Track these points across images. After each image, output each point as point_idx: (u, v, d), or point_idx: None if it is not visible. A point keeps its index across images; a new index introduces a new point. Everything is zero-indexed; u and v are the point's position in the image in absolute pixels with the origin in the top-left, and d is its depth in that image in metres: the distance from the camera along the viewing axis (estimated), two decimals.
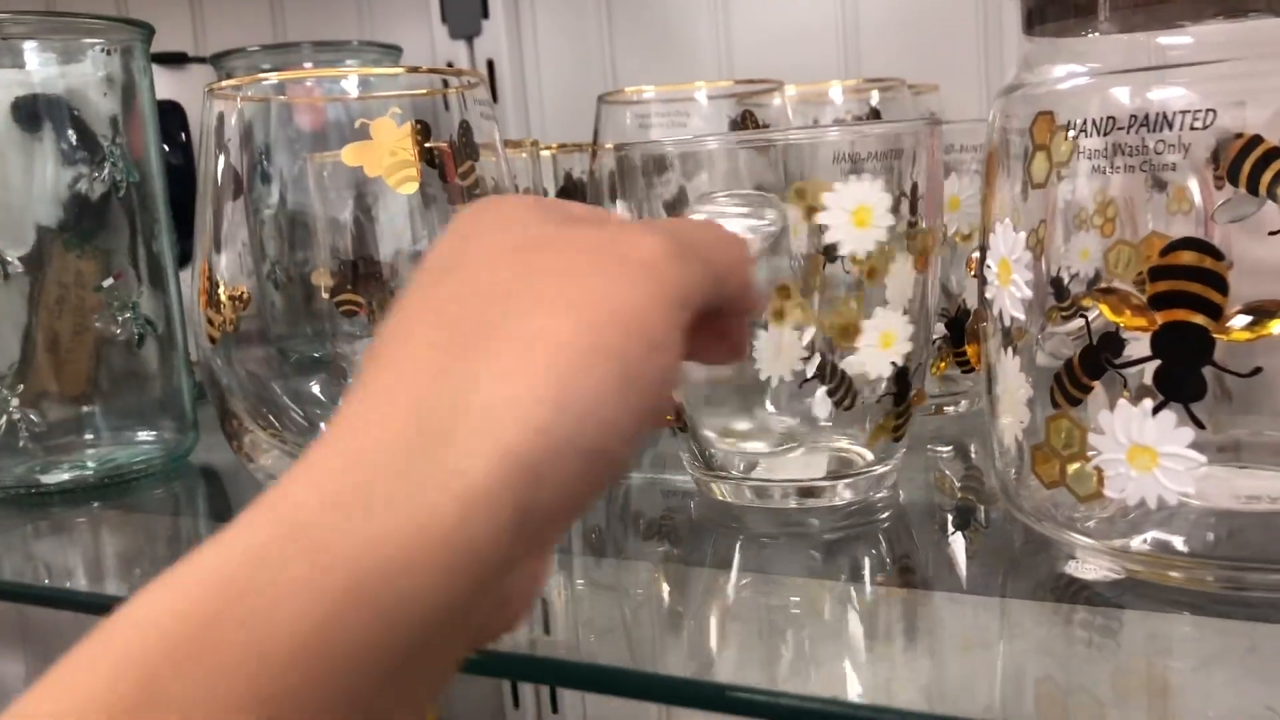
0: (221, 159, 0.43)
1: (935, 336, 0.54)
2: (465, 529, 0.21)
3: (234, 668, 0.19)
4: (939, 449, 0.53)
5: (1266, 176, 0.30)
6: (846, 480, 0.43)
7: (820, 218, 0.39)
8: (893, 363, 0.41)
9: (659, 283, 0.24)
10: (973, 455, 0.52)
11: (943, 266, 0.55)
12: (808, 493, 0.43)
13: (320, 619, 0.20)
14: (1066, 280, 0.35)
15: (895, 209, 0.39)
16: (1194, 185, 0.33)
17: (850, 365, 0.41)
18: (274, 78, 0.42)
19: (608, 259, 0.24)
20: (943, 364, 0.54)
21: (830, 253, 0.40)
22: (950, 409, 0.56)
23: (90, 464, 0.56)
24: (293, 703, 0.19)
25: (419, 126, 0.40)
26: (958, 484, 0.49)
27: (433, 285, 0.25)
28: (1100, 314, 0.34)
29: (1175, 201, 0.33)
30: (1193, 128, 0.29)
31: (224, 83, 0.42)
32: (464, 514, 0.21)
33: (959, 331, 0.53)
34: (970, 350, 0.52)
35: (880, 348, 0.41)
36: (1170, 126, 0.29)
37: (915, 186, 0.41)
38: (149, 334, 0.56)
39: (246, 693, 0.19)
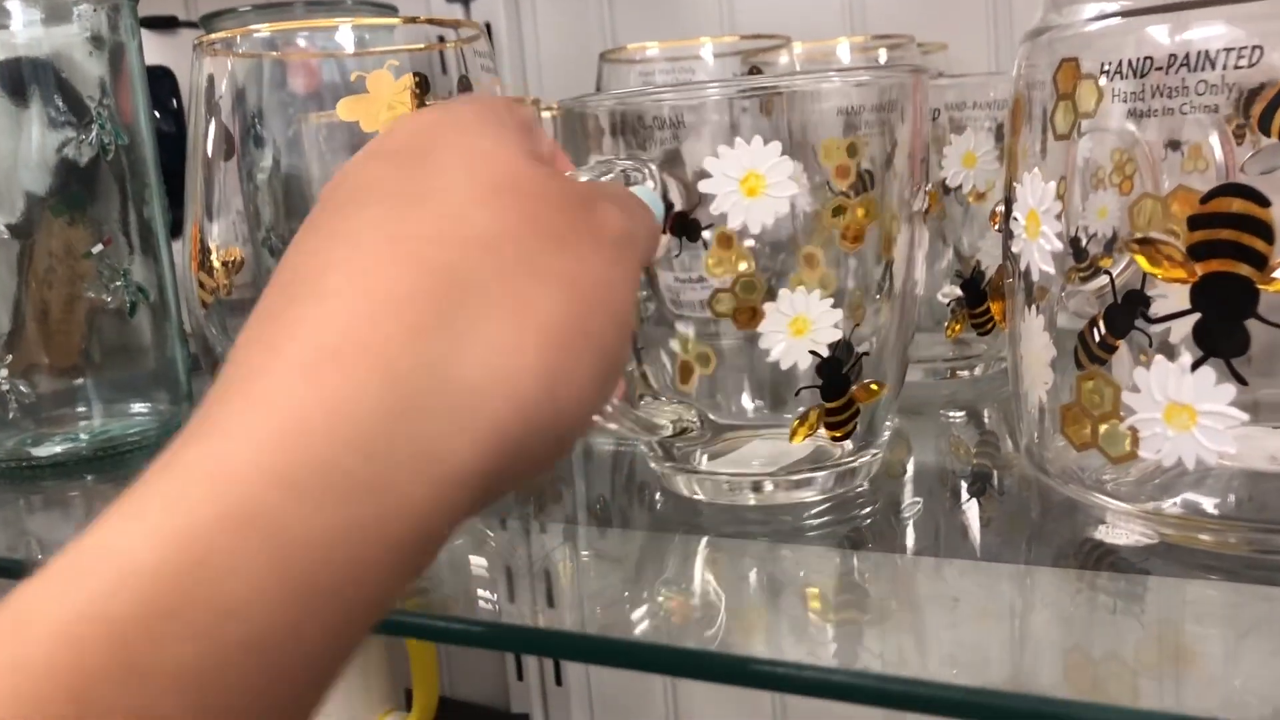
0: (212, 119, 0.42)
1: (949, 299, 0.53)
2: (436, 515, 0.20)
3: (181, 684, 0.17)
4: (952, 414, 0.52)
5: None
6: (801, 475, 0.39)
7: (703, 185, 0.34)
8: (813, 352, 0.36)
9: (628, 265, 0.24)
10: (987, 421, 0.51)
11: (954, 227, 0.53)
12: (757, 487, 0.39)
13: (278, 627, 0.18)
14: (1085, 241, 0.34)
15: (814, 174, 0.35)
16: (1214, 140, 0.31)
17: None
18: (265, 29, 0.41)
19: (585, 229, 0.23)
20: (957, 326, 0.52)
21: (715, 226, 0.35)
22: (964, 373, 0.55)
23: (83, 436, 0.54)
24: (239, 712, 0.17)
25: (418, 79, 0.39)
26: (973, 450, 0.48)
27: (391, 206, 0.22)
28: (1125, 270, 0.32)
29: (1191, 159, 0.32)
30: (1237, 66, 0.28)
31: (213, 36, 0.41)
32: (437, 500, 0.20)
33: (975, 293, 0.52)
34: (994, 308, 0.51)
35: (792, 335, 0.36)
36: (1212, 65, 0.28)
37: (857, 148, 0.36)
38: (141, 302, 0.55)
39: (193, 705, 0.17)
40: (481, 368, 0.20)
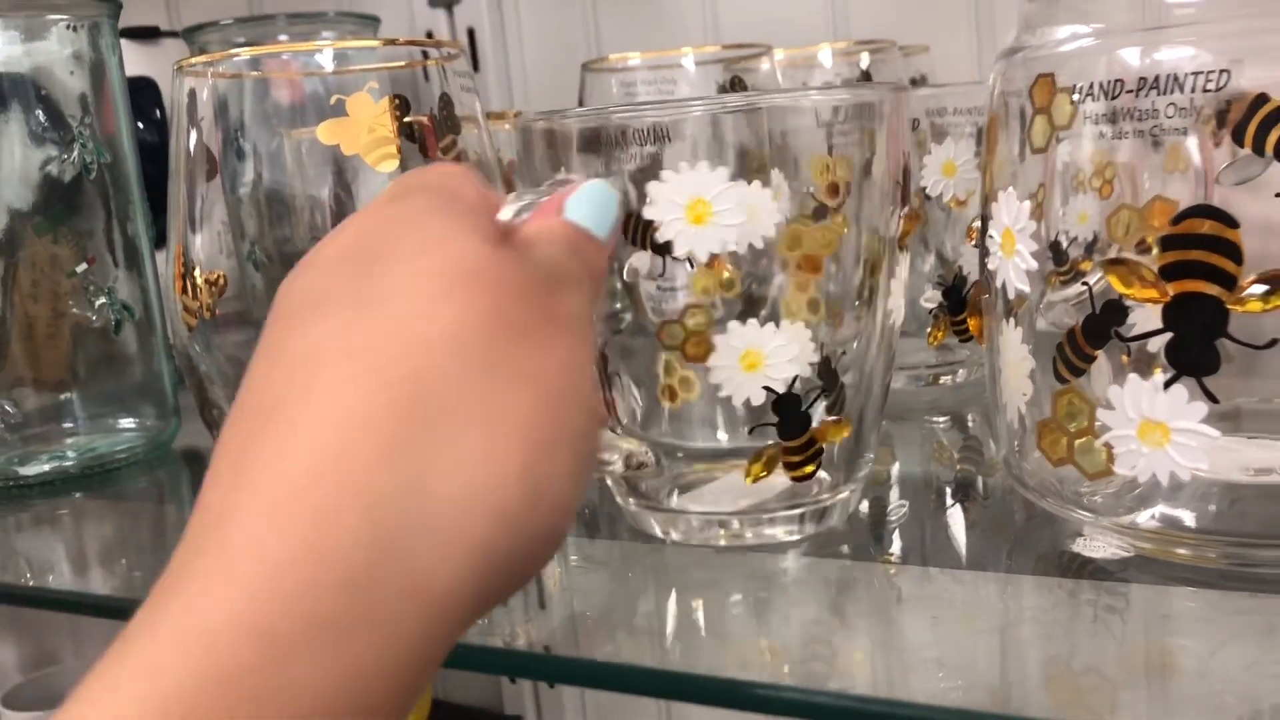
0: (193, 137, 0.42)
1: (931, 305, 0.53)
2: (430, 643, 0.19)
3: None
4: (936, 420, 0.52)
5: (1274, 136, 0.29)
6: (772, 513, 0.37)
7: (647, 212, 0.33)
8: (767, 388, 0.35)
9: (587, 344, 0.23)
10: (970, 426, 0.52)
11: (937, 232, 0.54)
12: (725, 525, 0.37)
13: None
14: (1065, 245, 0.34)
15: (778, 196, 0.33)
16: (1192, 144, 0.31)
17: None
18: (245, 54, 0.41)
19: (545, 316, 0.22)
20: (940, 333, 0.53)
21: (663, 253, 0.33)
22: (946, 379, 0.55)
23: (70, 454, 0.54)
24: None
25: (397, 101, 0.39)
26: (956, 457, 0.48)
27: (346, 316, 0.21)
28: (1102, 279, 0.32)
29: (1171, 160, 0.32)
30: (1205, 89, 0.28)
31: (194, 59, 0.41)
32: (427, 625, 0.19)
33: (957, 300, 0.52)
34: (972, 324, 0.51)
35: (743, 369, 0.34)
36: (1181, 89, 0.28)
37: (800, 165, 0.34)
38: (126, 319, 0.55)
39: None
40: (461, 483, 0.19)
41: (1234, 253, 0.28)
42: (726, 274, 0.36)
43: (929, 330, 0.53)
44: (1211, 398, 0.29)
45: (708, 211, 0.33)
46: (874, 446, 0.39)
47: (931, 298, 0.53)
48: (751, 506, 0.37)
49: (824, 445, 0.36)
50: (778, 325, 0.34)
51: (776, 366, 0.34)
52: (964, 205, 0.52)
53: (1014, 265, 0.34)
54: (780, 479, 0.36)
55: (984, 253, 0.36)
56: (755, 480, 0.36)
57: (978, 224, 0.40)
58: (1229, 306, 0.28)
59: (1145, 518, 0.33)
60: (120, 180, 0.55)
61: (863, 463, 0.38)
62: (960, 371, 0.55)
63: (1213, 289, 0.28)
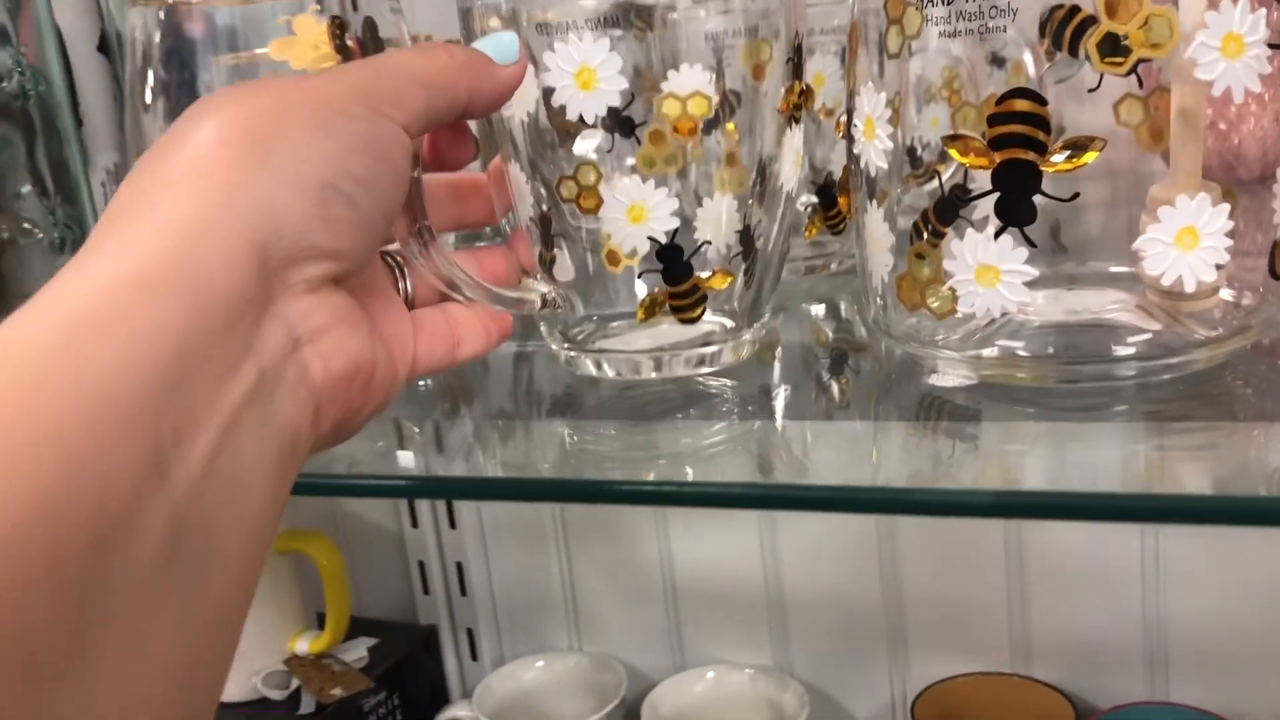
0: (142, 64, 0.46)
1: (806, 206, 0.60)
2: (185, 263, 0.24)
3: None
4: (812, 306, 0.59)
5: (1085, 40, 0.36)
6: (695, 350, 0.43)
7: (545, 79, 0.38)
8: (651, 238, 0.40)
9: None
10: (842, 310, 0.59)
11: (807, 142, 0.60)
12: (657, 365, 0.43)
13: (56, 350, 0.22)
14: (920, 150, 0.41)
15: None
16: (1029, 59, 0.38)
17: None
18: None
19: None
20: (814, 228, 0.60)
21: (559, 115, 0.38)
22: (821, 270, 0.63)
23: None
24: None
25: (336, 22, 0.43)
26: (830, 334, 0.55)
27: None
28: (953, 175, 0.39)
29: (1014, 75, 0.39)
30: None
31: None
32: (181, 249, 0.24)
33: (828, 198, 0.59)
34: (842, 202, 0.58)
35: (630, 222, 0.40)
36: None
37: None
38: (71, 237, 0.58)
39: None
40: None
41: (1045, 125, 0.35)
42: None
43: (805, 226, 0.60)
44: (1030, 243, 0.36)
45: (594, 79, 0.38)
46: (771, 302, 0.46)
47: (806, 201, 0.60)
48: (669, 345, 0.43)
49: (706, 292, 0.42)
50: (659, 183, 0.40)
51: (659, 219, 0.40)
52: (831, 114, 0.58)
53: (874, 148, 0.41)
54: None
55: (850, 141, 0.43)
56: (645, 320, 0.42)
57: (844, 119, 0.47)
58: (1042, 168, 0.35)
59: (988, 351, 0.40)
60: (54, 107, 0.57)
61: (762, 312, 0.45)
62: (833, 263, 0.63)
63: (1029, 155, 0.35)
